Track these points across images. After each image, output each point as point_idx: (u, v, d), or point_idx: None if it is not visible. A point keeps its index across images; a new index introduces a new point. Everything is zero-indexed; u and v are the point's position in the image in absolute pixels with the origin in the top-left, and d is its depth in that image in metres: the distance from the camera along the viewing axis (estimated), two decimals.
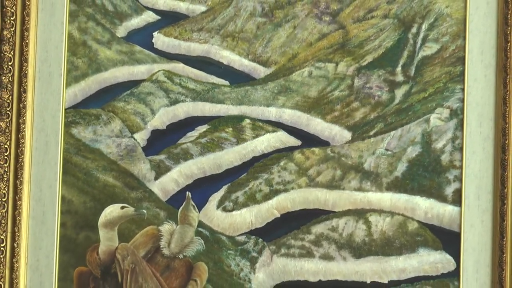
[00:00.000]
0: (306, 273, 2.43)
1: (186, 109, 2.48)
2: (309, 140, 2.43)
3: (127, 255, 2.42)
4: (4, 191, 2.47)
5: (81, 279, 2.44)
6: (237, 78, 2.47)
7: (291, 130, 2.45)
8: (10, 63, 2.47)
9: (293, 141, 2.43)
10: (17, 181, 2.49)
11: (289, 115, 2.43)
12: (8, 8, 2.46)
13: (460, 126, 2.37)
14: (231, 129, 2.45)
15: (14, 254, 2.51)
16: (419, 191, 2.38)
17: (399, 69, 2.41)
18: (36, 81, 2.52)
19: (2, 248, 2.47)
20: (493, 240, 2.33)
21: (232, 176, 2.48)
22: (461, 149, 2.36)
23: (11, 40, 2.47)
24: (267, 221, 2.46)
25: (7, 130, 2.46)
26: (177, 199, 2.48)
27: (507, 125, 2.30)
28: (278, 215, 2.45)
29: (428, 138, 2.37)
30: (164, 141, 2.49)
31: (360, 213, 2.41)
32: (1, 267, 2.48)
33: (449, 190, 2.37)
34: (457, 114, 2.35)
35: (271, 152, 2.46)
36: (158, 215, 2.45)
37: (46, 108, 2.49)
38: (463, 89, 2.36)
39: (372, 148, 2.38)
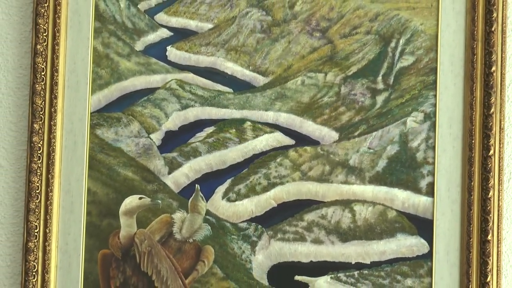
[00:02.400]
0: (299, 255, 2.39)
1: (195, 113, 2.47)
2: (302, 140, 2.41)
3: (144, 239, 2.42)
4: (37, 184, 2.46)
5: (105, 260, 2.45)
6: (240, 86, 2.45)
7: (286, 131, 2.42)
8: (43, 73, 2.48)
9: (288, 141, 2.42)
10: (49, 176, 2.47)
11: (285, 118, 2.42)
12: (41, 25, 2.48)
13: (432, 127, 2.34)
14: (234, 130, 2.44)
15: (46, 238, 2.46)
16: (397, 184, 2.35)
17: (379, 78, 2.38)
18: (65, 89, 2.48)
19: (36, 234, 2.46)
20: (462, 226, 2.30)
21: (235, 171, 2.44)
22: (433, 148, 2.33)
23: (43, 53, 2.47)
24: (266, 210, 2.41)
25: (40, 131, 2.47)
26: (187, 191, 2.44)
27: (473, 127, 2.29)
28: (275, 205, 2.41)
29: (405, 138, 2.35)
30: (176, 140, 2.47)
31: (346, 203, 2.37)
32: (35, 250, 2.45)
33: (423, 183, 2.33)
34: (430, 117, 2.34)
35: (269, 150, 2.43)
36: (171, 205, 2.45)
37: (74, 112, 2.48)
38: (435, 96, 2.34)
39: (357, 146, 2.38)
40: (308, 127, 2.41)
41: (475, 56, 2.30)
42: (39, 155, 2.47)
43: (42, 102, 2.47)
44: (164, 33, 2.52)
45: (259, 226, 2.42)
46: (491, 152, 2.28)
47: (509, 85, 2.33)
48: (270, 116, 2.44)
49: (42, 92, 2.47)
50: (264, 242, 2.41)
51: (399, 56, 2.37)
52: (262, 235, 2.41)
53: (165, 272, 2.40)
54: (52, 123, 2.47)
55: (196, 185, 2.44)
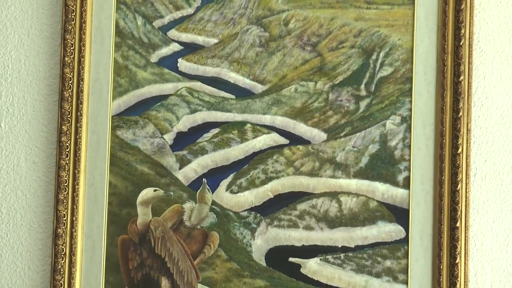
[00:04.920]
0: (293, 240, 2.39)
1: (203, 116, 2.47)
2: (295, 139, 2.41)
3: (158, 226, 2.43)
4: (65, 178, 2.47)
5: (124, 244, 2.46)
6: (241, 93, 2.45)
7: (282, 132, 2.42)
8: (70, 82, 2.48)
9: (283, 141, 2.42)
10: (75, 171, 2.47)
11: (280, 121, 2.42)
12: (68, 40, 2.48)
13: (408, 129, 2.34)
14: (236, 131, 2.45)
15: (73, 225, 2.46)
16: (378, 178, 2.35)
17: (362, 86, 2.38)
18: (90, 95, 2.49)
19: (64, 221, 2.46)
20: (434, 215, 2.31)
21: (237, 167, 2.44)
22: (409, 147, 2.33)
23: (71, 64, 2.48)
24: (264, 201, 2.41)
25: (68, 132, 2.47)
26: (196, 184, 2.45)
27: (444, 128, 2.30)
28: (272, 196, 2.41)
29: (384, 138, 2.36)
30: (186, 140, 2.47)
31: (333, 195, 2.38)
32: (64, 235, 2.46)
33: (400, 177, 2.34)
34: (406, 120, 2.34)
35: (266, 149, 2.43)
36: (181, 196, 2.45)
37: (97, 115, 2.49)
38: (411, 101, 2.33)
39: (343, 145, 2.38)
40: (301, 128, 2.42)
41: (446, 67, 2.31)
42: (67, 153, 2.48)
43: (69, 107, 2.49)
44: (175, 47, 2.51)
45: (258, 215, 2.42)
46: (460, 150, 2.29)
47: (475, 92, 2.34)
48: (267, 119, 2.44)
49: (69, 98, 2.48)
50: (262, 228, 2.41)
51: (380, 67, 2.38)
52: (260, 223, 2.42)
53: (176, 255, 2.42)
54: (78, 125, 2.48)
55: (203, 179, 2.45)
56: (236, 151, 2.46)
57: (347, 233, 2.38)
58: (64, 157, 2.49)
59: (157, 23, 2.53)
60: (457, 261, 2.28)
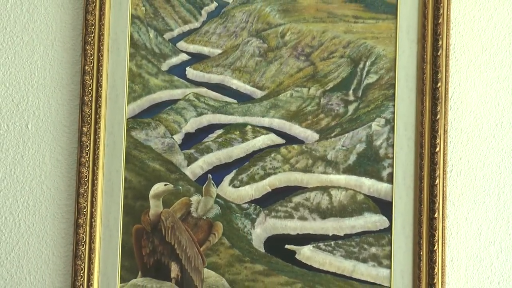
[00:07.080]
0: (289, 229, 2.42)
1: (208, 118, 2.50)
2: (290, 139, 2.45)
3: (169, 216, 2.46)
4: (86, 174, 2.50)
5: (137, 233, 2.49)
6: (242, 98, 2.48)
7: (279, 133, 2.46)
8: (90, 88, 2.51)
9: (280, 141, 2.46)
10: (94, 167, 2.50)
11: (277, 123, 2.46)
12: (88, 50, 2.52)
13: (392, 130, 2.37)
14: (238, 132, 2.48)
15: (92, 216, 2.49)
16: (364, 174, 2.39)
17: (351, 92, 2.42)
18: (107, 100, 2.51)
19: (84, 212, 2.50)
20: (414, 206, 2.34)
21: (239, 164, 2.47)
22: (392, 146, 2.37)
23: (90, 72, 2.51)
24: (262, 194, 2.44)
25: (88, 133, 2.50)
26: (202, 179, 2.48)
27: (423, 129, 2.33)
28: (270, 190, 2.45)
29: (370, 138, 2.39)
30: (193, 140, 2.50)
31: (325, 189, 2.41)
32: (84, 225, 2.49)
33: (384, 173, 2.37)
34: (390, 122, 2.38)
35: (265, 148, 2.46)
36: (189, 190, 2.49)
37: (114, 118, 2.52)
38: (394, 105, 2.37)
39: (333, 145, 2.42)
40: (296, 129, 2.45)
41: (425, 75, 2.34)
42: (87, 151, 2.51)
43: (89, 110, 2.51)
44: (184, 57, 2.54)
45: (258, 207, 2.46)
46: (437, 149, 2.33)
47: (452, 97, 2.38)
48: (266, 121, 2.48)
49: (89, 103, 2.51)
50: (261, 219, 2.45)
51: (366, 74, 2.41)
52: (259, 214, 2.45)
53: (184, 242, 2.45)
54: (97, 126, 2.51)
55: (209, 174, 2.49)
56: (238, 150, 2.49)
57: (337, 223, 2.41)
58: (84, 155, 2.52)
59: (168, 35, 2.56)
60: (435, 248, 2.31)
